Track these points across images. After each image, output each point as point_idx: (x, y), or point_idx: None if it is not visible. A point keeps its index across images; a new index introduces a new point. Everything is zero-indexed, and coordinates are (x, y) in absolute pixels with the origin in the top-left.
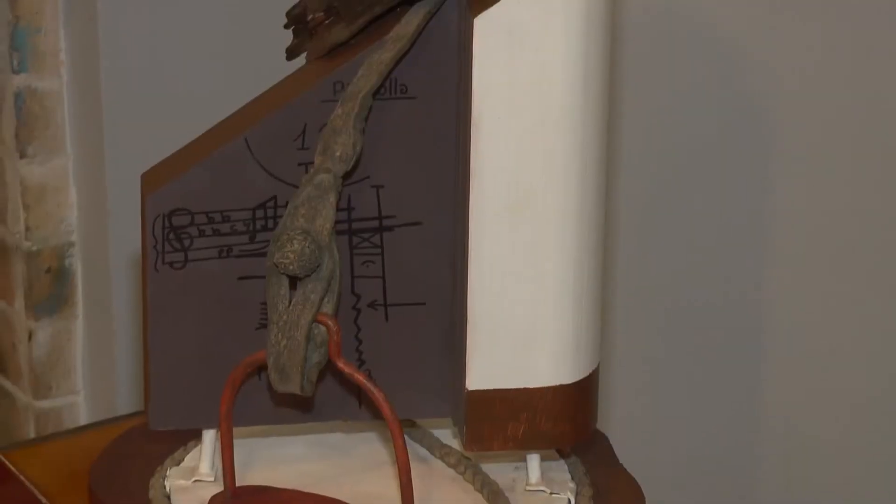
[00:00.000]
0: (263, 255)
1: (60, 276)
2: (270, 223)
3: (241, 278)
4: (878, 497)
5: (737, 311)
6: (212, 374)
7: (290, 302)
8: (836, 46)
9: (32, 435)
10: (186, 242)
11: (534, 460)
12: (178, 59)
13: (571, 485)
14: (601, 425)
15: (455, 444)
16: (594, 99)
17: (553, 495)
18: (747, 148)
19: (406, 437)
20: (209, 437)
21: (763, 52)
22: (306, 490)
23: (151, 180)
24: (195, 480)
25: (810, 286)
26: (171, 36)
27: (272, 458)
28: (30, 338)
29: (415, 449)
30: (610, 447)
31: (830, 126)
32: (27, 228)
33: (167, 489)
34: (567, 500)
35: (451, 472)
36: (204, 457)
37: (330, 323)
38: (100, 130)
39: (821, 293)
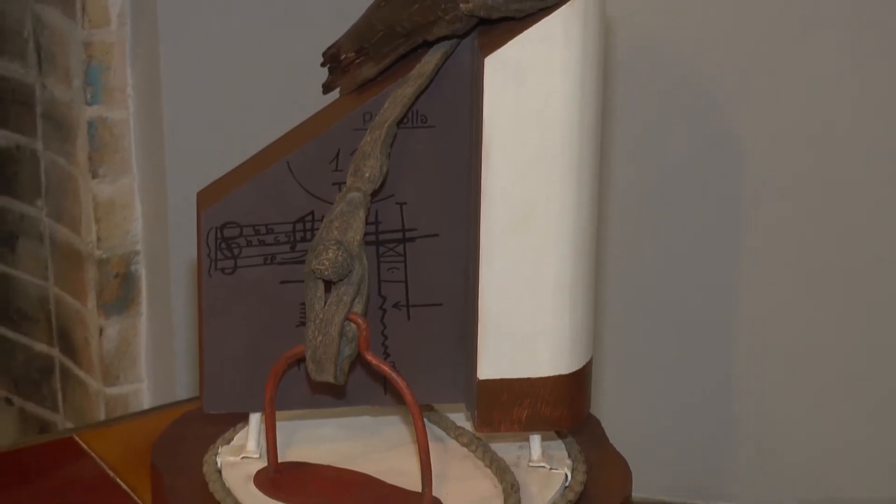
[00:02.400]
0: (302, 262)
1: (127, 281)
2: (308, 235)
3: (282, 282)
4: (836, 468)
5: (713, 311)
6: (257, 365)
7: (325, 303)
8: (802, 79)
9: (102, 417)
10: (236, 251)
11: (536, 440)
12: (229, 92)
13: (568, 461)
14: (594, 410)
15: (468, 426)
16: (589, 127)
17: (552, 470)
18: (724, 167)
19: (425, 419)
20: (255, 419)
21: (735, 82)
22: (339, 466)
23: (206, 197)
24: (243, 457)
25: (776, 288)
26: (223, 73)
27: (309, 437)
28: (100, 333)
29: (433, 430)
30: (601, 429)
31: (796, 148)
32: (98, 239)
33: (218, 464)
34: (564, 475)
35: (464, 450)
36: (250, 436)
37: (360, 321)
38: (161, 154)
39: (785, 294)
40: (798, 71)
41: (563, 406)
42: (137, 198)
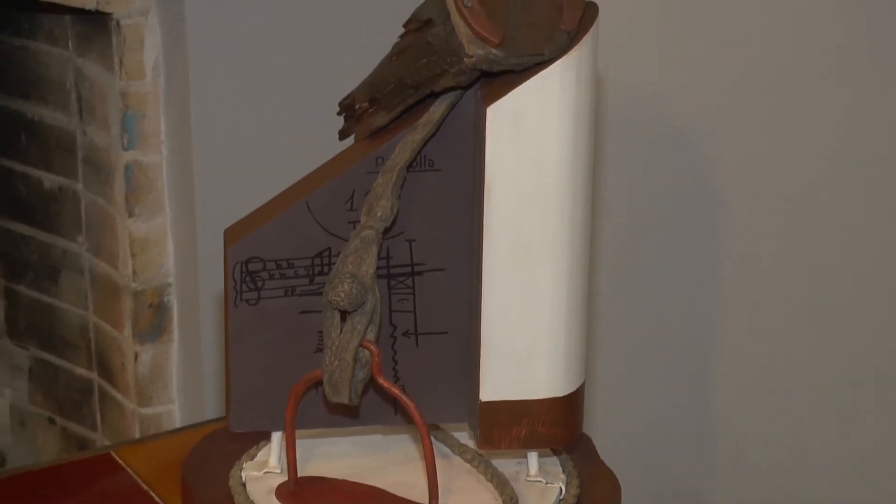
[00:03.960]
0: (320, 294)
1: (160, 310)
2: (326, 269)
3: (302, 312)
4: (808, 475)
5: (695, 339)
6: (279, 388)
7: (340, 331)
8: (782, 125)
9: (137, 436)
10: (259, 284)
11: (533, 457)
12: (254, 139)
13: (562, 476)
14: (586, 429)
15: (471, 443)
16: (581, 169)
17: (548, 485)
18: (707, 206)
19: (432, 437)
20: (277, 437)
21: (718, 128)
22: (353, 480)
23: (232, 235)
24: (265, 472)
25: (751, 312)
26: (249, 122)
27: (326, 454)
28: (135, 359)
29: (439, 447)
30: (593, 446)
31: (776, 189)
32: (134, 272)
33: (243, 478)
34: (559, 489)
35: (467, 465)
36: (272, 453)
37: (372, 347)
38: (191, 195)
39: (759, 318)
40: (778, 117)
41: (558, 425)
42: (170, 235)
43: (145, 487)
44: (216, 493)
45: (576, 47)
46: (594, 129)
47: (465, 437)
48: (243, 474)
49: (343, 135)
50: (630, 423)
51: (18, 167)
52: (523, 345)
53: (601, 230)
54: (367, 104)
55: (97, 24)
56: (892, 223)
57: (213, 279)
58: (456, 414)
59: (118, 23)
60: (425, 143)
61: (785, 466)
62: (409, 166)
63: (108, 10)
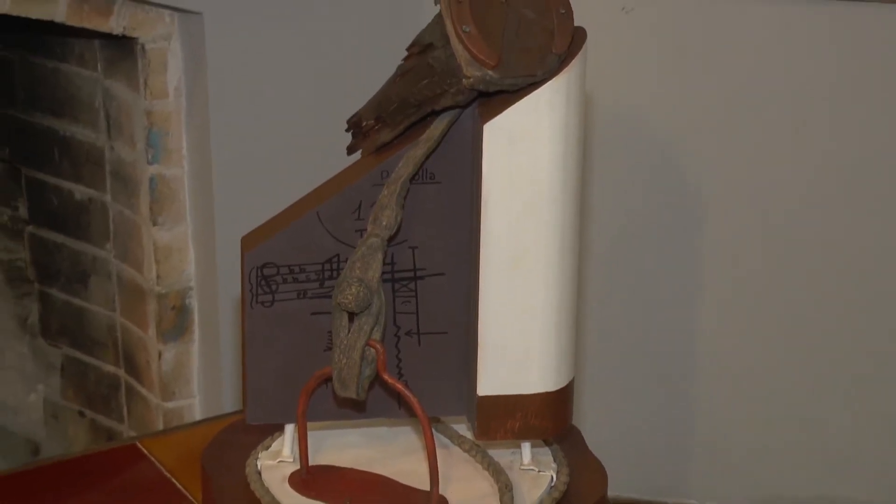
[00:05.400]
0: (330, 297)
1: (182, 312)
2: (335, 273)
3: (313, 314)
4: (777, 470)
5: (678, 338)
6: (292, 384)
7: (349, 331)
8: (753, 139)
9: (161, 427)
10: (274, 287)
11: (526, 447)
12: (269, 154)
13: (553, 465)
14: (575, 421)
15: (469, 435)
16: (571, 181)
17: (540, 473)
18: (686, 212)
19: (433, 429)
20: (290, 429)
21: (697, 144)
22: (360, 468)
23: (249, 242)
24: (279, 461)
25: (729, 319)
26: (263, 138)
27: (335, 444)
28: (159, 357)
29: (439, 438)
30: (582, 437)
31: (747, 199)
32: (158, 277)
33: (258, 467)
34: (550, 477)
35: (465, 455)
36: (286, 444)
37: (378, 346)
38: (211, 206)
39: (736, 324)
40: (758, 134)
41: (549, 418)
42: (191, 242)
43: (168, 475)
44: (234, 481)
45: (566, 69)
46: (583, 145)
47: (463, 429)
48: (259, 463)
49: (351, 150)
50: (617, 417)
51: (51, 180)
52: (518, 344)
53: (591, 238)
54: (372, 122)
55: (124, 48)
56: (862, 240)
57: (230, 283)
58: (455, 407)
59: (143, 47)
60: (427, 158)
61: (759, 466)
62: (412, 179)
63: (133, 34)
